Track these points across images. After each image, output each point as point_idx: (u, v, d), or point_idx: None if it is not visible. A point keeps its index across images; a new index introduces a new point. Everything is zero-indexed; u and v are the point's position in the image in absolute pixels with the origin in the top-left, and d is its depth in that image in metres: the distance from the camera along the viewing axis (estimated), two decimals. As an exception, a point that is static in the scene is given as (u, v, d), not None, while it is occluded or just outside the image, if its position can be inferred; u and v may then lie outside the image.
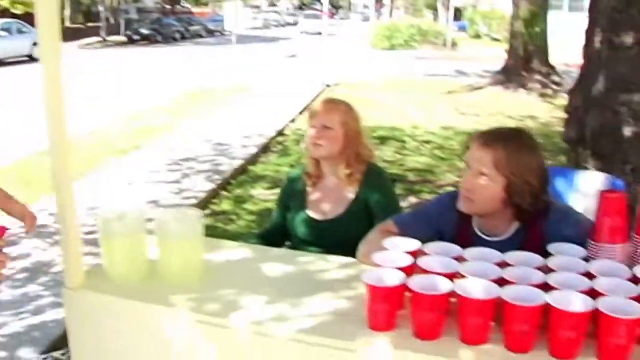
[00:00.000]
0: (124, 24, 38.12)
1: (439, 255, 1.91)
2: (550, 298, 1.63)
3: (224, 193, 6.88)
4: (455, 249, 1.97)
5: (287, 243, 3.13)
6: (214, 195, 6.77)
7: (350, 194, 2.91)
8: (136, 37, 35.67)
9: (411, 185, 6.96)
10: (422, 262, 1.86)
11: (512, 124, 10.62)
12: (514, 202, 2.12)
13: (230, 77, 16.67)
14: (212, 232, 5.54)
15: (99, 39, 34.40)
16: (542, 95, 13.90)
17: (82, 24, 37.98)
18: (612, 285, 1.73)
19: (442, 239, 2.26)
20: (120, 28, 37.72)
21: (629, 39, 4.53)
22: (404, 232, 2.28)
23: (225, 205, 6.42)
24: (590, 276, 1.80)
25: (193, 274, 2.11)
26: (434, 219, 2.34)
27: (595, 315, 1.60)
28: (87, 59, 23.97)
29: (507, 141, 2.10)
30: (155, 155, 8.40)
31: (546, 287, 1.72)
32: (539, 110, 12.22)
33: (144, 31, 36.32)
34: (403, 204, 5.79)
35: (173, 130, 10.16)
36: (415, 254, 1.92)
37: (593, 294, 1.68)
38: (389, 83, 16.05)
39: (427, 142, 9.12)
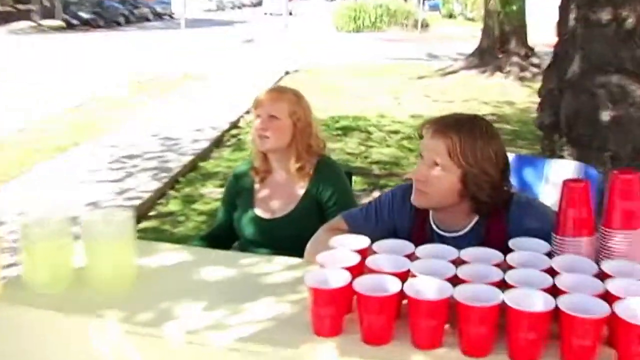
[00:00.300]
0: (60, 6, 37.62)
1: (389, 253, 1.93)
2: (507, 297, 1.65)
3: (172, 192, 6.85)
4: (407, 246, 1.99)
5: (235, 244, 3.14)
6: (160, 194, 6.74)
7: (301, 189, 2.93)
8: (75, 22, 35.24)
9: (376, 179, 7.00)
10: (371, 261, 1.88)
11: (487, 110, 10.74)
12: (471, 194, 2.15)
13: (179, 65, 16.60)
14: (157, 235, 5.53)
15: (32, 23, 33.90)
16: (521, 79, 14.06)
17: (11, 7, 37.34)
18: (576, 282, 1.76)
19: (396, 235, 2.29)
20: (56, 11, 37.21)
21: (606, 15, 4.59)
22: (354, 229, 2.31)
23: (173, 206, 6.40)
24: (552, 272, 1.83)
25: (123, 280, 2.11)
26: (387, 214, 2.37)
27: (557, 315, 1.62)
28: (18, 46, 23.65)
29: (461, 128, 2.13)
30: (96, 152, 8.33)
31: (504, 285, 1.75)
32: (516, 95, 12.37)
33: (84, 15, 35.92)
34: (367, 199, 5.81)
35: (116, 125, 10.07)
36: (363, 253, 1.94)
37: (555, 291, 1.72)
38: (353, 68, 16.11)
39: (395, 132, 9.17)
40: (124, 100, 12.30)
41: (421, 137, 2.20)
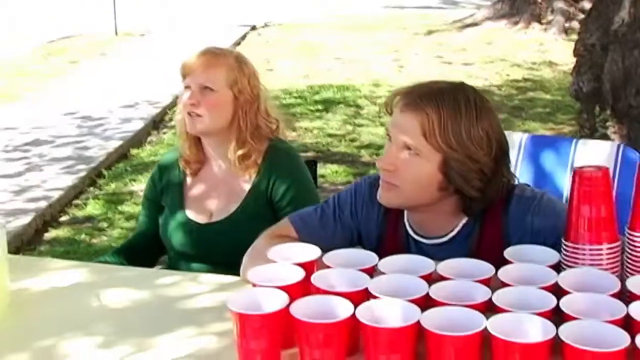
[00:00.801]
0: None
1: (345, 267, 1.95)
2: (492, 324, 1.68)
3: (92, 190, 6.85)
4: (369, 257, 2.02)
5: (163, 259, 3.16)
6: (76, 193, 6.73)
7: (245, 184, 2.96)
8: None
9: (364, 167, 7.03)
10: (317, 277, 1.90)
11: (519, 74, 10.79)
12: (455, 187, 2.17)
13: (108, 19, 16.49)
14: (69, 248, 5.57)
15: None
16: (566, 32, 14.02)
17: None
18: (588, 305, 1.80)
19: (362, 243, 2.32)
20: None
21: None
22: (306, 235, 2.33)
23: (93, 208, 6.40)
24: (559, 291, 1.86)
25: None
26: (349, 215, 2.39)
27: (561, 347, 1.65)
28: None
29: (441, 100, 2.14)
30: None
31: (493, 309, 1.78)
32: (559, 54, 12.34)
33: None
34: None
35: (16, 101, 10.03)
36: (310, 267, 1.97)
37: (560, 316, 1.75)
38: (341, 21, 16.05)
39: (393, 106, 9.20)
40: (28, 66, 12.24)
41: (389, 112, 2.22)
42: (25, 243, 5.69)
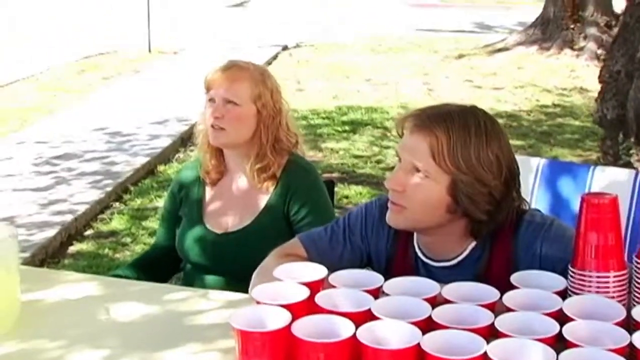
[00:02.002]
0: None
1: (350, 287, 1.96)
2: (493, 349, 1.68)
3: (118, 205, 6.88)
4: (373, 279, 2.02)
5: (179, 275, 3.18)
6: (101, 208, 6.77)
7: (263, 197, 2.98)
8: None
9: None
10: (321, 297, 1.91)
11: (549, 99, 10.76)
12: (464, 210, 2.17)
13: (143, 35, 16.60)
14: (92, 262, 5.59)
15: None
16: (598, 58, 13.96)
17: None
18: (592, 332, 1.79)
19: (371, 264, 2.32)
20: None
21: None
22: (315, 255, 2.34)
23: (117, 223, 6.43)
24: (563, 318, 1.85)
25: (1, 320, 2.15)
26: (359, 236, 2.40)
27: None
28: None
29: (450, 122, 2.15)
30: (17, 151, 8.36)
31: (495, 334, 1.77)
32: (591, 80, 12.16)
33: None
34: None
35: (49, 115, 10.11)
36: (315, 286, 1.97)
37: (563, 343, 1.75)
38: (372, 43, 16.08)
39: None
40: (62, 81, 12.32)
41: (400, 134, 2.23)
42: (50, 256, 5.73)
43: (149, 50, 14.97)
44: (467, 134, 2.14)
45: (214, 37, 17.08)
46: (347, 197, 6.73)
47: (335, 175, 7.30)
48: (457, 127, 2.14)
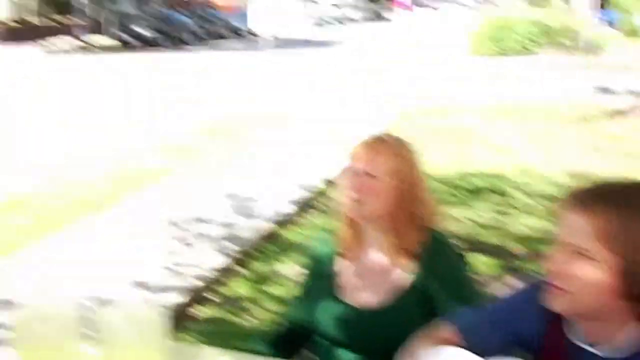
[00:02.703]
0: (111, 20, 39.06)
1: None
2: None
3: (239, 269, 6.90)
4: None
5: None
6: (224, 272, 6.80)
7: (402, 273, 2.92)
8: (132, 40, 36.51)
9: (513, 260, 6.91)
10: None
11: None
12: (634, 295, 2.05)
13: (261, 100, 16.86)
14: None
15: (77, 41, 35.22)
16: None
17: (50, 19, 38.69)
18: None
19: (522, 348, 2.23)
20: (103, 26, 38.59)
21: None
22: (471, 341, 2.28)
23: (240, 287, 6.45)
24: None
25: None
26: (511, 321, 2.32)
27: None
28: (58, 70, 24.50)
29: (621, 202, 2.03)
30: (146, 214, 8.51)
31: None
32: None
33: (144, 31, 37.14)
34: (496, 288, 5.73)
35: (174, 178, 10.28)
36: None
37: None
38: (493, 107, 16.00)
39: (544, 197, 9.02)
40: (186, 147, 12.56)
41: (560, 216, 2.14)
42: (173, 320, 5.74)
43: (262, 117, 15.21)
44: (636, 212, 2.02)
45: (330, 101, 17.22)
46: (470, 267, 6.63)
47: (457, 243, 7.20)
48: (628, 207, 2.02)
